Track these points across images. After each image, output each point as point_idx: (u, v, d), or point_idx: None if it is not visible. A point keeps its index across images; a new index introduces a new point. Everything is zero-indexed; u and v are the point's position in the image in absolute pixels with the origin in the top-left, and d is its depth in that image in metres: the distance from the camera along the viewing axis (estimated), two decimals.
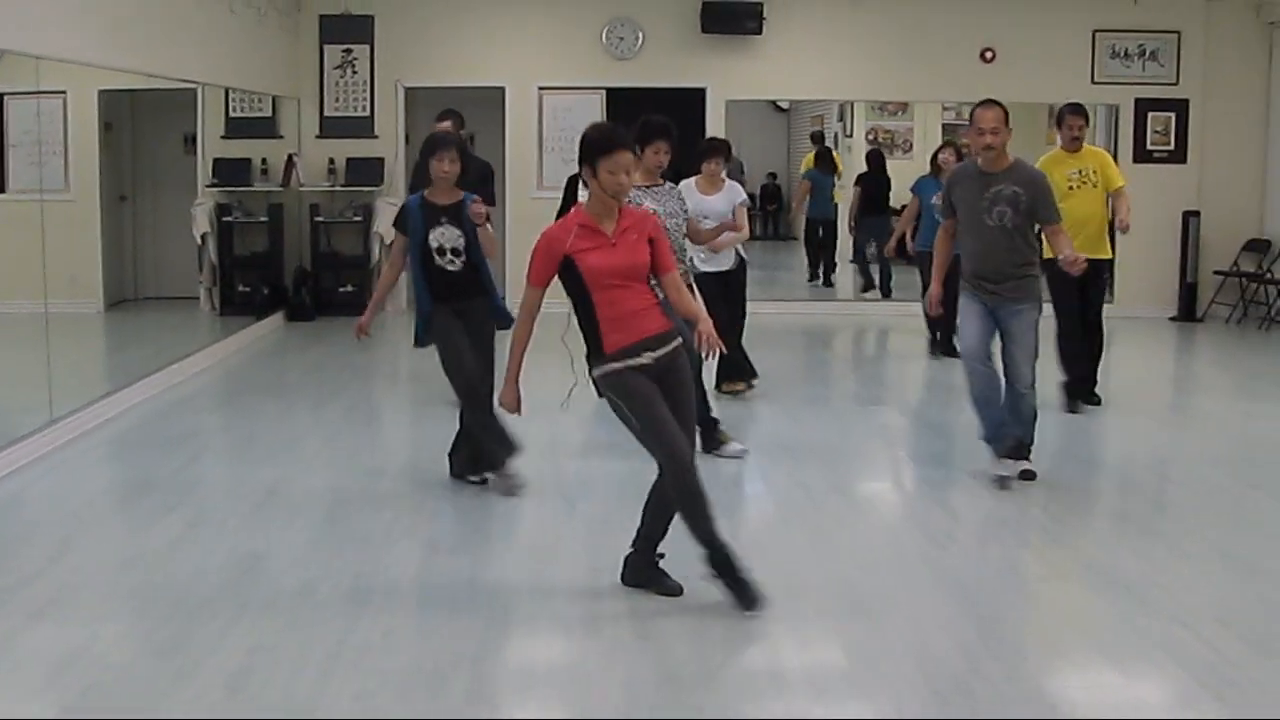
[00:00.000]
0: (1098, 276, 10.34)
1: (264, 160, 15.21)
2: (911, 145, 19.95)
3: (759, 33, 15.81)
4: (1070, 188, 10.06)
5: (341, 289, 15.64)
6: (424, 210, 7.78)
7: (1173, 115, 16.15)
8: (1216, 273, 15.98)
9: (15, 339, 10.15)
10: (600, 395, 6.19)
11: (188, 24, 11.99)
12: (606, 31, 15.97)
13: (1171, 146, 16.24)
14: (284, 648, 5.48)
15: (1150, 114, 16.20)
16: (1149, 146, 16.21)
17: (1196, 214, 16.07)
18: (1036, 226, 8.11)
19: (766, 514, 7.78)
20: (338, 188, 15.67)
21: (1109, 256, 10.63)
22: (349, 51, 15.86)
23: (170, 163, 14.13)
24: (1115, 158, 16.33)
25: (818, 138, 19.68)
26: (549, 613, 5.99)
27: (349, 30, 15.81)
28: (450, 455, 8.18)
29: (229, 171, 14.50)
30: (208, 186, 14.04)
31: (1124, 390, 11.17)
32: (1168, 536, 7.40)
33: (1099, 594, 6.38)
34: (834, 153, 18.70)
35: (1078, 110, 10.48)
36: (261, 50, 14.36)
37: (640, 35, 15.98)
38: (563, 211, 12.90)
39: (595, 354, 5.96)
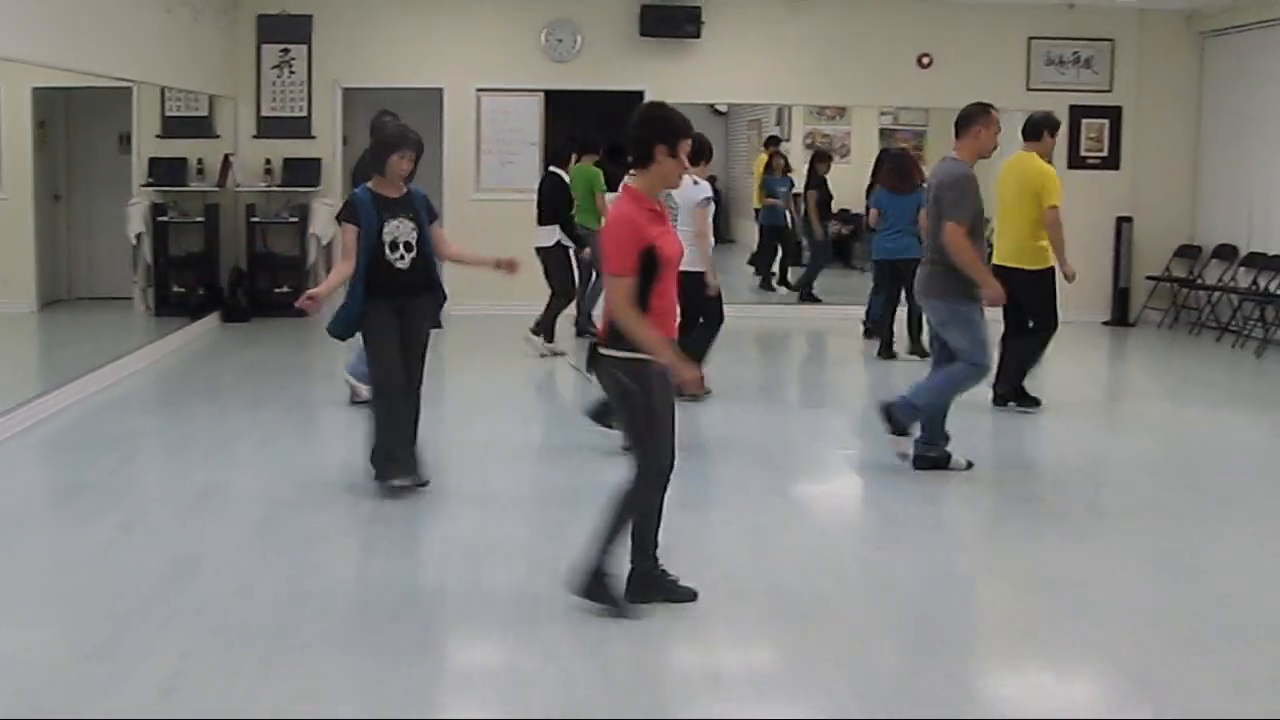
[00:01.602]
0: None
1: (200, 160, 15.11)
2: (849, 150, 20.09)
3: (697, 36, 15.83)
4: None
5: (277, 290, 15.54)
6: (375, 202, 7.66)
7: (1106, 122, 16.30)
8: (1149, 278, 16.14)
9: None
10: (600, 377, 5.91)
11: (124, 22, 11.88)
12: (545, 34, 15.96)
13: (1105, 153, 16.39)
14: (218, 651, 5.44)
15: (1084, 120, 16.34)
16: (1083, 153, 16.34)
17: (1129, 220, 16.22)
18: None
19: (706, 516, 7.78)
20: (274, 188, 15.57)
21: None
22: (286, 51, 15.77)
23: (105, 162, 14.03)
24: (1049, 163, 16.59)
25: (773, 141, 19.73)
26: (486, 614, 5.98)
27: (287, 30, 15.71)
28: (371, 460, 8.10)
29: (164, 171, 14.41)
30: (143, 186, 13.94)
31: (1056, 394, 11.25)
32: (1100, 538, 7.46)
33: (1033, 595, 6.43)
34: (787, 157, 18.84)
35: None
36: (198, 49, 14.25)
37: (579, 38, 15.97)
38: (543, 212, 12.91)
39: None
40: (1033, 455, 9.82)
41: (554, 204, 12.97)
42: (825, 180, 17.53)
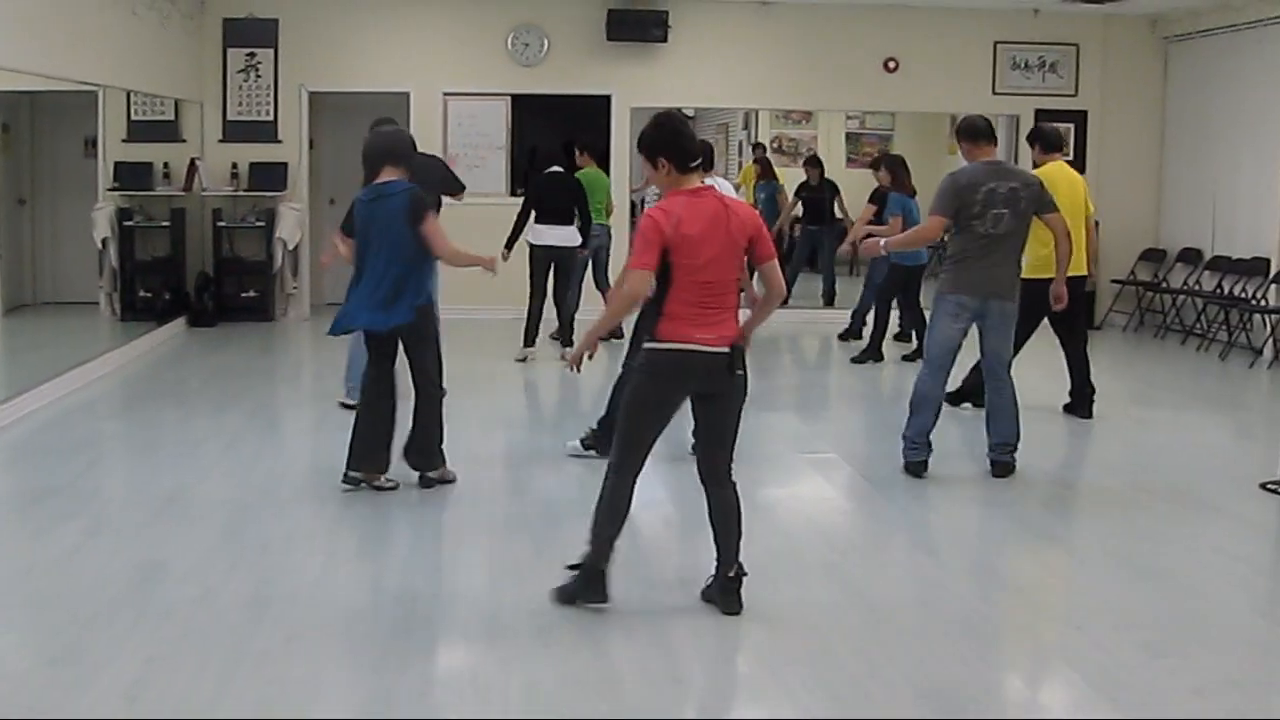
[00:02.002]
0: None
1: (166, 164, 15.07)
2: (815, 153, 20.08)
3: (664, 40, 15.86)
4: None
5: (244, 294, 15.52)
6: None
7: (1071, 126, 16.36)
8: (1114, 281, 16.22)
9: None
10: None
11: (89, 25, 11.84)
12: (512, 38, 15.96)
13: (1070, 157, 16.37)
14: (183, 656, 5.44)
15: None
16: None
17: (1095, 223, 16.26)
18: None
19: (668, 518, 7.79)
20: (240, 192, 15.54)
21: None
22: (253, 55, 15.74)
23: (70, 166, 13.99)
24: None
25: (760, 148, 19.72)
26: (449, 618, 5.99)
27: (253, 34, 15.67)
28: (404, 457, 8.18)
29: (130, 175, 14.36)
30: (109, 190, 13.89)
31: (1021, 396, 11.28)
32: (1063, 541, 7.51)
33: (995, 597, 6.47)
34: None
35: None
36: (164, 53, 14.21)
37: (545, 42, 15.98)
38: (560, 211, 12.85)
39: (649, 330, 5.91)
40: None
41: (579, 203, 12.95)
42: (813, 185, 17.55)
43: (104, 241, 13.76)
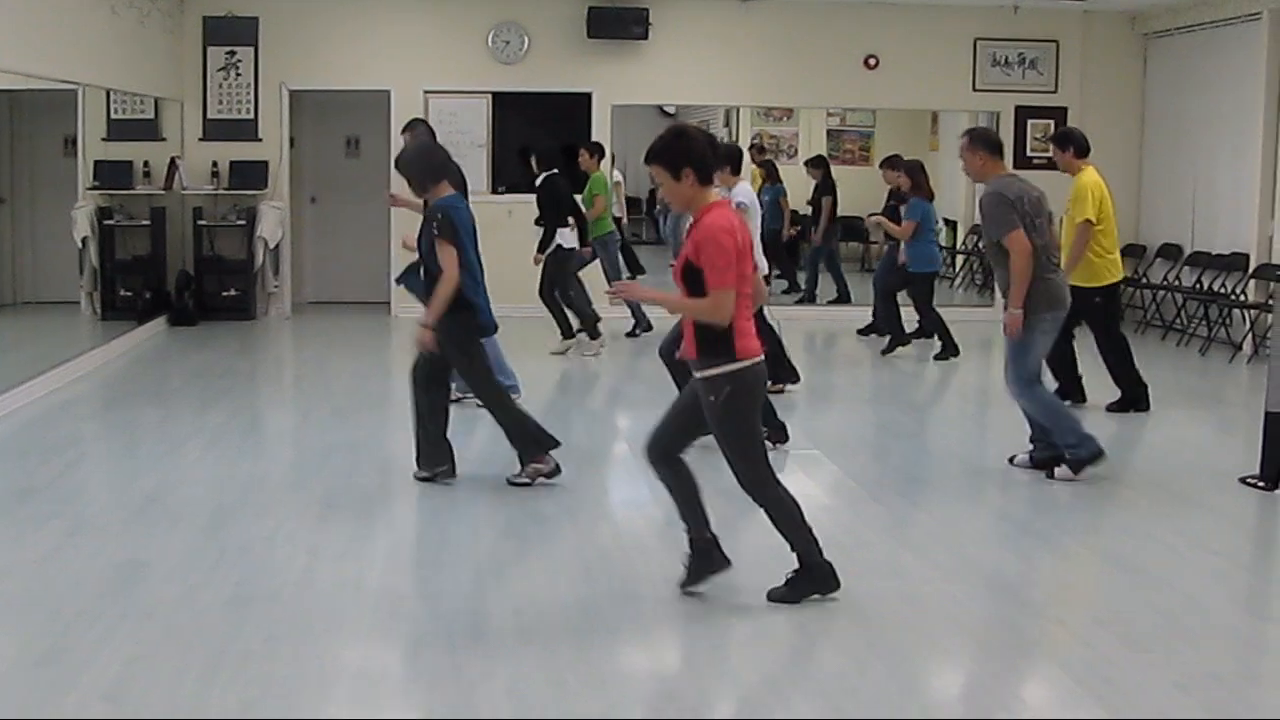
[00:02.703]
0: (1089, 306, 10.44)
1: (146, 163, 15.03)
2: (796, 150, 20.14)
3: (645, 38, 15.86)
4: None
5: (224, 293, 15.49)
6: None
7: (1052, 122, 16.36)
8: None
9: None
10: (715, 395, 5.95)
11: (68, 24, 11.80)
12: (492, 35, 15.95)
13: (1050, 153, 16.46)
14: (164, 656, 5.42)
15: (1030, 121, 16.47)
16: (1029, 153, 16.42)
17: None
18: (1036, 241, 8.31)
19: (652, 519, 7.79)
20: (221, 191, 15.50)
21: (1088, 285, 10.38)
22: (233, 54, 15.70)
23: (50, 165, 13.94)
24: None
25: (760, 149, 19.71)
26: (432, 617, 5.98)
27: (233, 32, 15.64)
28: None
29: (110, 174, 14.33)
30: (89, 189, 13.85)
31: (1003, 392, 11.29)
32: (1047, 537, 7.52)
33: (980, 594, 6.47)
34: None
35: (1050, 138, 10.96)
36: (144, 51, 14.17)
37: (526, 39, 15.97)
38: (563, 215, 12.86)
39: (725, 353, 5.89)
40: (980, 454, 9.88)
41: (573, 206, 13.06)
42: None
43: (84, 240, 13.71)
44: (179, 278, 15.23)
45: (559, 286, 12.97)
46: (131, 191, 14.72)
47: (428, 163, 8.25)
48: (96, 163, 14.05)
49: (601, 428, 10.56)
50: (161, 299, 14.86)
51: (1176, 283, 15.24)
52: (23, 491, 8.03)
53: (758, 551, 6.70)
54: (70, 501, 7.88)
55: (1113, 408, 10.79)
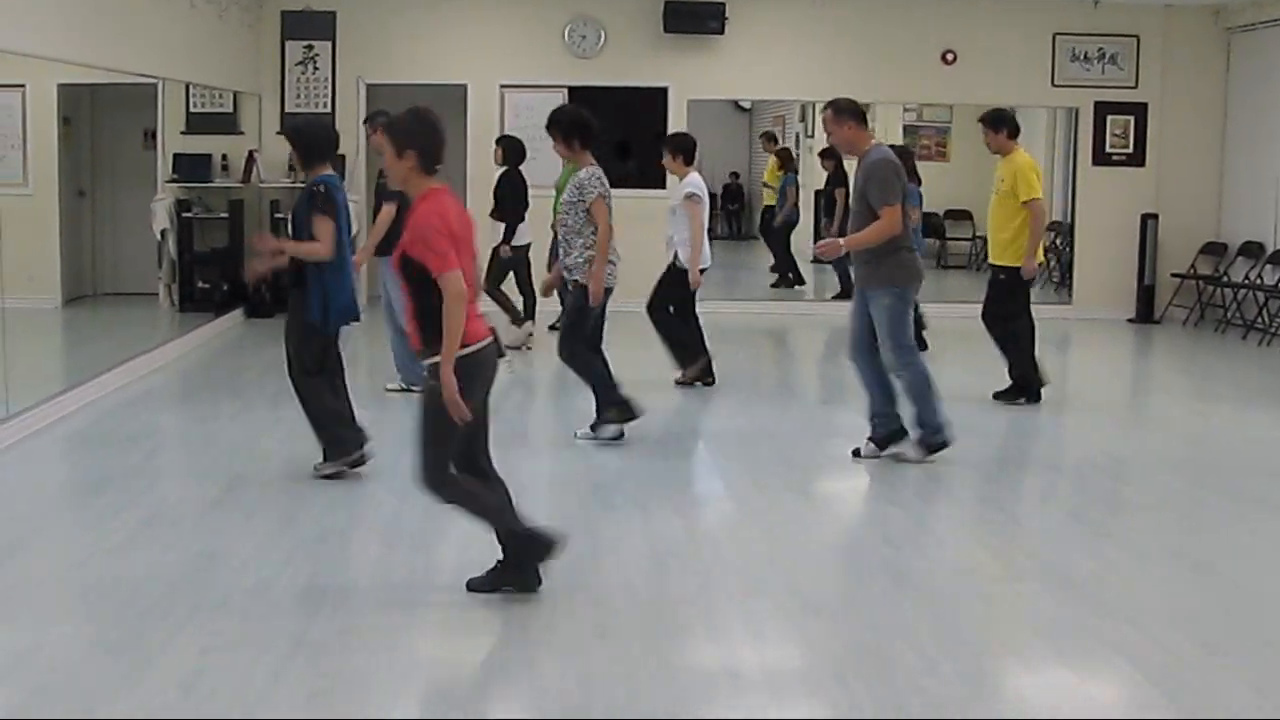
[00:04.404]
0: (994, 280, 10.80)
1: (224, 156, 15.14)
2: None
3: (721, 32, 15.83)
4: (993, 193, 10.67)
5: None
6: None
7: (1131, 118, 16.25)
8: (1174, 275, 16.08)
9: None
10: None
11: (149, 18, 11.92)
12: (568, 30, 15.97)
13: (1130, 149, 16.34)
14: (237, 647, 5.45)
15: (1109, 117, 16.30)
16: (1108, 149, 16.30)
17: (1155, 217, 16.15)
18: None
19: (724, 513, 7.78)
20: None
21: (1006, 264, 10.61)
22: (310, 47, 15.80)
23: (130, 158, 14.08)
24: (1074, 160, 16.50)
25: (773, 137, 19.66)
26: (504, 610, 5.97)
27: (311, 26, 15.74)
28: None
29: (189, 167, 14.44)
30: (167, 182, 13.98)
31: (1081, 391, 11.24)
32: (1122, 537, 7.44)
33: (1053, 594, 6.40)
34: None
35: (982, 119, 10.83)
36: (223, 45, 14.29)
37: (602, 34, 15.98)
38: (502, 208, 12.94)
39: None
40: (1055, 453, 9.79)
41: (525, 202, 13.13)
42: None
43: (163, 233, 13.83)
44: None
45: (502, 280, 13.02)
46: (210, 184, 14.84)
47: (326, 137, 8.19)
48: (175, 156, 14.17)
49: (678, 419, 10.52)
50: (239, 291, 14.96)
51: (1259, 281, 15.03)
52: (99, 482, 8.10)
53: (826, 552, 6.67)
54: (146, 492, 7.95)
55: (1000, 395, 10.72)
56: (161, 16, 12.27)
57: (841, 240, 8.59)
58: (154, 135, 13.70)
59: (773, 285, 18.43)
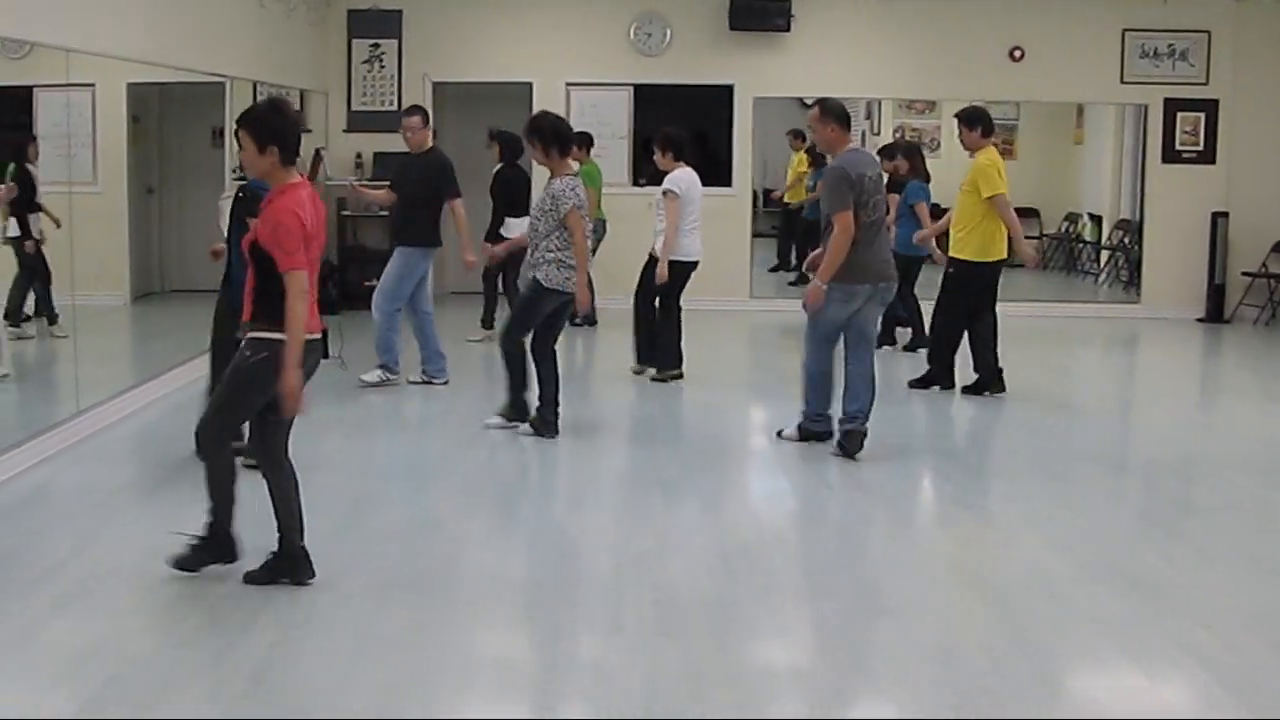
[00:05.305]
0: (945, 273, 11.15)
1: None
2: (939, 144, 19.87)
3: (787, 30, 15.80)
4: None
5: (367, 283, 15.54)
6: None
7: (1202, 115, 16.08)
8: (1245, 274, 15.92)
9: (44, 329, 10.22)
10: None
11: (217, 17, 12.02)
12: (634, 28, 15.98)
13: (1200, 147, 16.17)
14: (307, 640, 5.49)
15: (1179, 114, 16.14)
16: (1178, 147, 16.15)
17: (1225, 215, 15.99)
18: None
19: (791, 511, 7.76)
20: (365, 182, 15.65)
21: (959, 257, 10.86)
22: (377, 46, 15.89)
23: (198, 156, 14.16)
24: (1143, 158, 16.32)
25: (801, 135, 19.53)
26: (571, 607, 5.98)
27: (377, 25, 15.84)
28: None
29: None
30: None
31: (1150, 391, 11.14)
32: (1193, 538, 7.37)
33: (1123, 595, 6.35)
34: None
35: (958, 116, 11.06)
36: (289, 44, 14.38)
37: (668, 32, 15.98)
38: (499, 211, 12.99)
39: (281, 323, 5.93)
40: (1125, 454, 9.72)
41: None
42: None
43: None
44: (322, 267, 15.33)
45: (497, 275, 13.10)
46: None
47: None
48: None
49: (740, 419, 10.50)
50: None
51: None
52: (169, 477, 8.17)
53: (893, 550, 6.63)
54: None
55: (968, 389, 10.87)
56: (230, 16, 12.36)
57: (818, 283, 8.61)
58: (222, 133, 13.76)
59: (790, 284, 18.05)
